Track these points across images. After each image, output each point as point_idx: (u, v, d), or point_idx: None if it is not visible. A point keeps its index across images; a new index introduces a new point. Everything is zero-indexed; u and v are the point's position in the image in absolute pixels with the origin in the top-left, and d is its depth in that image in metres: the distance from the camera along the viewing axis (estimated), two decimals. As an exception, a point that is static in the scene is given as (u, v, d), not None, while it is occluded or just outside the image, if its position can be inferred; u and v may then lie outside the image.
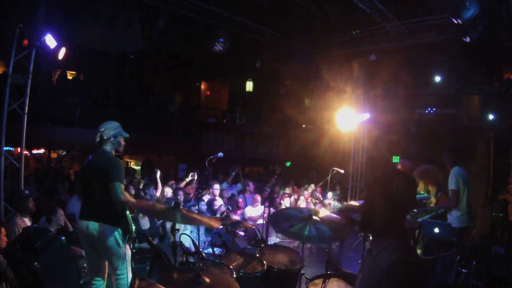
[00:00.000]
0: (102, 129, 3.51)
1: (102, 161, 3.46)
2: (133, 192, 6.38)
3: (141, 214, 5.49)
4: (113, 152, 3.56)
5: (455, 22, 5.68)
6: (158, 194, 6.67)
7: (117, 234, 3.35)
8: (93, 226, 3.34)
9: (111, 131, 3.51)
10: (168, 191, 6.74)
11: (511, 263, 5.12)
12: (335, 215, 3.28)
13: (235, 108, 14.69)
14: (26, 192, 4.86)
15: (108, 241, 3.32)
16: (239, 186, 8.68)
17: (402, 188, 1.71)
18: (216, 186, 7.00)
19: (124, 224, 3.41)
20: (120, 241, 3.36)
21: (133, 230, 3.54)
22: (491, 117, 8.03)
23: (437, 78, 8.34)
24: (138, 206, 3.61)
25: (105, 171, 3.36)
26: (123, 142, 3.63)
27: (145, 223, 5.75)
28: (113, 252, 3.35)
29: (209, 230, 5.53)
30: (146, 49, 8.52)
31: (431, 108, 9.73)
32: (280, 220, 3.34)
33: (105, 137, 3.48)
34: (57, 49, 7.33)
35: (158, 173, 6.73)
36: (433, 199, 5.97)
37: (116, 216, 3.38)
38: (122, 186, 3.35)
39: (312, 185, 9.22)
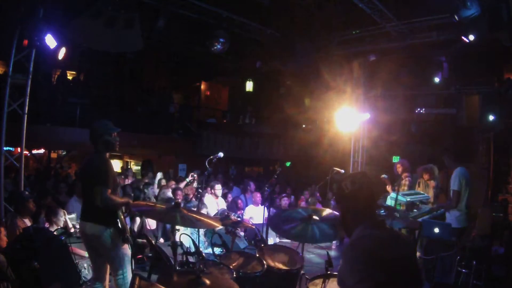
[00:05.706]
0: (91, 129, 3.47)
1: (91, 163, 3.45)
2: (131, 193, 6.37)
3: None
4: (107, 152, 3.48)
5: (455, 21, 5.68)
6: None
7: (112, 234, 3.35)
8: (89, 227, 3.36)
9: (97, 131, 3.45)
10: (168, 192, 6.74)
11: (511, 263, 5.12)
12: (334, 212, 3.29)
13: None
14: (26, 193, 4.85)
15: (104, 241, 3.33)
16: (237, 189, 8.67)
17: (350, 188, 1.82)
18: (218, 187, 6.99)
19: (116, 225, 3.39)
20: (115, 241, 3.36)
21: (128, 230, 3.53)
22: (491, 117, 8.01)
23: (437, 78, 8.34)
24: (136, 206, 3.60)
25: (91, 173, 3.36)
26: (113, 141, 3.48)
27: (152, 223, 5.73)
28: (110, 252, 3.37)
29: (209, 231, 5.52)
30: (146, 49, 8.51)
31: (431, 108, 9.74)
32: (280, 223, 3.35)
33: (93, 138, 3.46)
34: (57, 49, 7.32)
35: (158, 177, 6.75)
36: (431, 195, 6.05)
37: (108, 217, 3.37)
38: (106, 190, 3.26)
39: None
